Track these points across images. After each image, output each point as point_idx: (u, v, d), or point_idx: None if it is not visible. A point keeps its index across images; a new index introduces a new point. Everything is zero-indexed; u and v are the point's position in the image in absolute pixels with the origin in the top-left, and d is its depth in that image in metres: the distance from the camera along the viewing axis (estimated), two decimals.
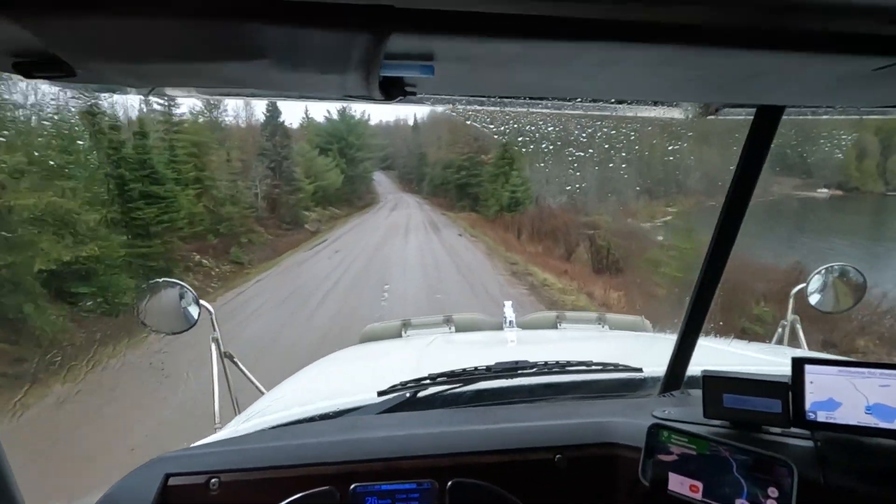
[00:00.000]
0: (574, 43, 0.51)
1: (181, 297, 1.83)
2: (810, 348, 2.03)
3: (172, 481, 0.97)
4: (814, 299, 2.01)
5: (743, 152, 1.05)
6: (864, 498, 0.84)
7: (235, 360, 2.01)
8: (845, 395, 0.88)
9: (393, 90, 0.62)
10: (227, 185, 19.34)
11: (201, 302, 1.85)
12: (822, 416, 0.90)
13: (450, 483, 0.98)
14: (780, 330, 2.11)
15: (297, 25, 0.44)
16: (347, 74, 0.54)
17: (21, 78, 0.56)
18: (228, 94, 0.98)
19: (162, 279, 1.84)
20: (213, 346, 1.94)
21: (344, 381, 1.83)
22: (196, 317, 1.83)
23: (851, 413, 0.88)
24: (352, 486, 0.96)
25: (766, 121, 1.01)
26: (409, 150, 49.98)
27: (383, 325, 2.38)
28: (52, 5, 0.41)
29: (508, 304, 2.28)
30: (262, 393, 1.90)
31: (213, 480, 0.97)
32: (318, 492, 0.95)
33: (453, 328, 2.28)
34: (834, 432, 0.90)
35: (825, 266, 2.03)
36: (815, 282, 2.03)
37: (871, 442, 0.88)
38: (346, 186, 34.55)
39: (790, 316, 2.07)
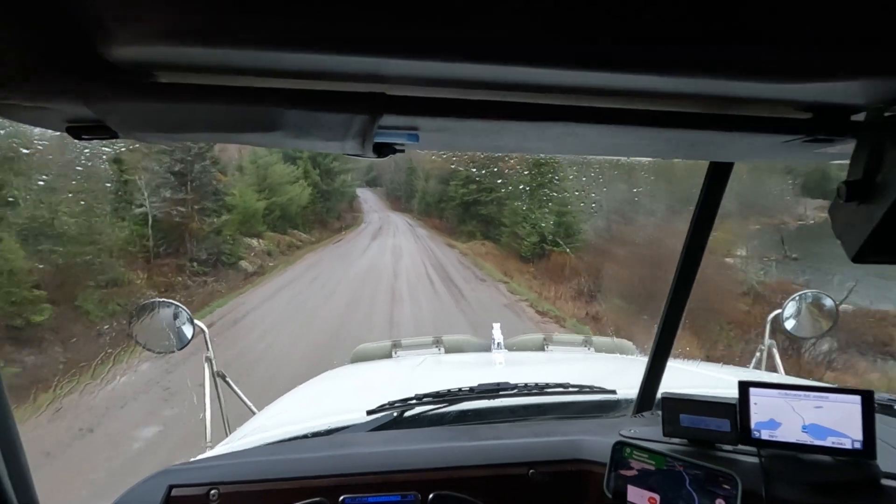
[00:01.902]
0: (541, 122, 0.62)
1: (175, 316, 1.86)
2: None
3: (175, 492, 1.05)
4: (789, 324, 2.13)
5: (700, 196, 1.19)
6: None
7: (228, 379, 2.05)
8: (785, 416, 0.98)
9: (384, 150, 0.73)
10: (51, 202, 9.74)
11: (195, 321, 1.89)
12: (765, 434, 1.00)
13: (431, 495, 1.06)
14: (757, 354, 2.21)
15: (309, 109, 0.55)
16: (346, 141, 0.66)
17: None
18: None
19: (154, 298, 1.89)
20: (206, 366, 1.98)
21: (335, 400, 1.89)
22: (190, 336, 1.87)
23: (790, 432, 0.98)
24: (341, 498, 1.04)
25: (719, 172, 1.14)
26: (396, 164, 41.37)
27: (374, 345, 2.44)
28: (112, 90, 0.52)
29: (497, 325, 2.35)
30: (254, 412, 1.95)
31: (212, 492, 1.05)
32: (310, 503, 1.03)
33: (442, 349, 2.35)
34: (776, 449, 1.00)
35: (798, 293, 2.15)
36: (790, 308, 2.15)
37: (807, 458, 0.98)
38: (320, 203, 26.11)
39: (767, 341, 2.17)
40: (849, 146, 0.63)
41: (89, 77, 0.51)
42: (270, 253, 17.54)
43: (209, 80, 0.54)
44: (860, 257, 0.59)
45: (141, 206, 13.01)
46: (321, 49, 0.45)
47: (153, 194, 13.36)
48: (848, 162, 0.63)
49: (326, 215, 27.16)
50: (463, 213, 23.74)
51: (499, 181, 19.49)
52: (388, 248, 20.43)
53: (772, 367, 2.11)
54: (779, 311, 2.16)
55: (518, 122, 0.62)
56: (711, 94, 0.58)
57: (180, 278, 12.83)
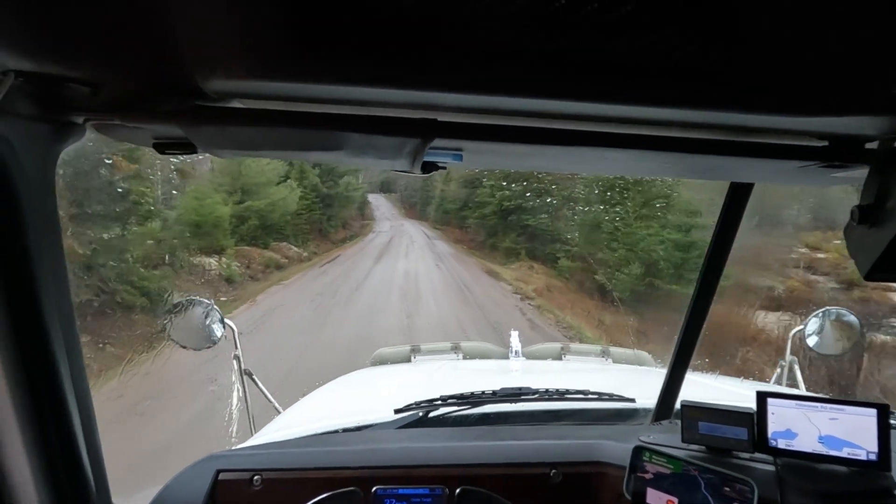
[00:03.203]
0: (574, 147, 0.69)
1: (207, 314, 1.91)
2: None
3: (222, 476, 1.13)
4: (812, 341, 2.11)
5: (721, 215, 1.24)
6: None
7: (255, 377, 2.12)
8: (801, 426, 1.02)
9: (429, 168, 0.81)
10: None
11: (226, 320, 1.96)
12: (781, 444, 1.04)
13: (458, 490, 1.12)
14: (778, 370, 2.21)
15: (369, 133, 0.63)
16: (398, 160, 0.74)
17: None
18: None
19: (191, 297, 1.93)
20: (235, 363, 2.06)
21: (359, 400, 1.97)
22: (220, 334, 1.92)
23: (806, 442, 1.02)
24: (374, 489, 1.11)
25: (739, 192, 1.20)
26: None
27: (393, 349, 2.49)
28: (202, 115, 0.60)
29: (515, 333, 2.41)
30: (279, 411, 2.01)
31: (255, 477, 1.13)
32: (344, 492, 1.11)
33: (461, 355, 2.40)
34: (792, 458, 1.04)
35: (822, 309, 2.14)
36: (813, 324, 2.13)
37: (822, 468, 1.02)
38: (319, 210, 20.79)
39: (788, 357, 2.17)
40: (863, 171, 0.68)
41: (184, 104, 0.60)
42: (231, 279, 11.68)
43: (282, 107, 0.62)
44: (871, 276, 0.64)
45: None
46: (382, 85, 0.53)
47: None
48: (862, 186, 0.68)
49: (327, 224, 21.45)
50: (498, 224, 17.35)
51: (547, 182, 14.20)
52: (395, 281, 13.13)
53: (793, 383, 2.12)
54: (800, 327, 2.16)
55: (554, 147, 0.69)
56: (732, 125, 0.64)
57: None
